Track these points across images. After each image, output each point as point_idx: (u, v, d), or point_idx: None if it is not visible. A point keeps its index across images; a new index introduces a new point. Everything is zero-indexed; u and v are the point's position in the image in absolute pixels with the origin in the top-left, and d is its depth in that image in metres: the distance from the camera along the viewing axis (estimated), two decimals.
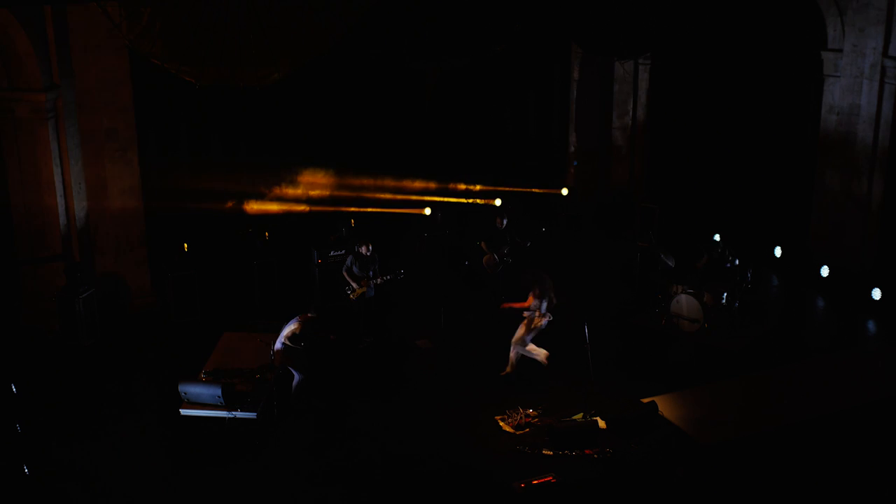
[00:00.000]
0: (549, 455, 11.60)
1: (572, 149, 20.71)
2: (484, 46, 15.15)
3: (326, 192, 17.90)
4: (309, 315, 12.78)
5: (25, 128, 14.37)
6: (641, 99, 20.11)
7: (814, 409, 12.69)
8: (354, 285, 14.62)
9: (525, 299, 13.38)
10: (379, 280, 14.72)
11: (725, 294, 15.03)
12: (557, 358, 13.76)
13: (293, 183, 17.77)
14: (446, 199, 18.86)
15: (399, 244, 17.27)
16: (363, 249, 14.66)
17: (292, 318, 12.78)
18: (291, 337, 12.57)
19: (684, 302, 15.06)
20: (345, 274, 14.68)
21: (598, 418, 12.23)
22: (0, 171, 14.66)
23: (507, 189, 19.14)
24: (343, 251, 15.95)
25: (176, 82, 12.60)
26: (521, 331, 13.46)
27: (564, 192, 19.81)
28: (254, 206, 17.17)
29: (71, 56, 14.56)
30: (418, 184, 18.76)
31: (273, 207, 17.38)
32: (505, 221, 16.24)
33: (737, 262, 15.45)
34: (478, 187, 19.29)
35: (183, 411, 11.88)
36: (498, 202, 18.92)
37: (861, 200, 16.91)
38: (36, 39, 13.99)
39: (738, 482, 11.19)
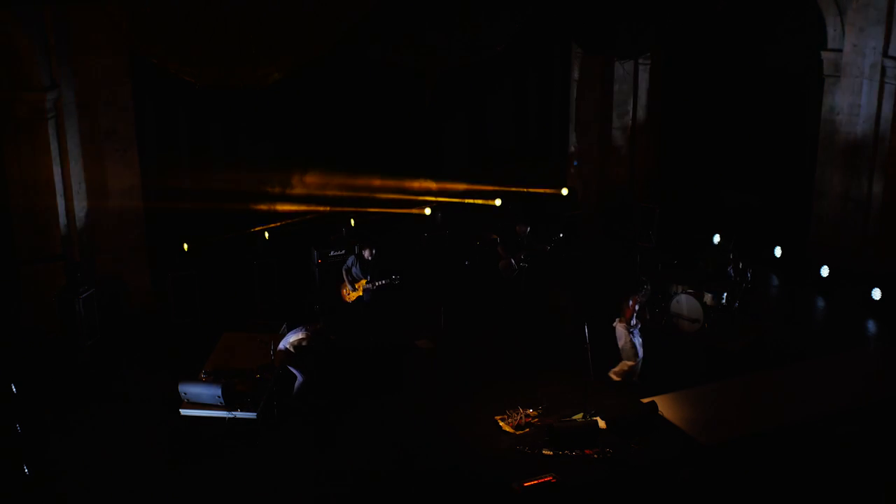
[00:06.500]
0: (549, 455, 11.60)
1: (572, 149, 20.68)
2: (484, 47, 15.13)
3: (326, 192, 17.88)
4: (318, 326, 12.77)
5: (25, 128, 14.35)
6: (641, 99, 20.08)
7: (814, 409, 12.70)
8: (350, 287, 14.61)
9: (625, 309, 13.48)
10: (374, 286, 14.66)
11: (725, 294, 15.03)
12: (557, 358, 13.78)
13: (293, 183, 17.76)
14: (446, 199, 18.85)
15: (399, 244, 17.25)
16: (366, 253, 14.61)
17: (298, 320, 12.75)
18: (297, 346, 12.55)
19: (684, 302, 15.05)
20: (343, 272, 14.67)
21: (598, 418, 12.23)
22: (0, 171, 14.65)
23: (506, 189, 19.11)
24: (343, 251, 15.93)
25: (176, 82, 12.62)
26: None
27: (564, 192, 19.79)
28: (255, 206, 17.19)
29: (71, 56, 14.54)
30: (418, 184, 18.74)
31: (274, 207, 17.37)
32: (528, 230, 16.23)
33: (741, 265, 15.41)
34: (475, 186, 19.26)
35: (183, 411, 11.88)
36: (498, 202, 18.90)
37: (861, 200, 16.90)
38: (36, 39, 13.98)
39: (738, 482, 11.19)
